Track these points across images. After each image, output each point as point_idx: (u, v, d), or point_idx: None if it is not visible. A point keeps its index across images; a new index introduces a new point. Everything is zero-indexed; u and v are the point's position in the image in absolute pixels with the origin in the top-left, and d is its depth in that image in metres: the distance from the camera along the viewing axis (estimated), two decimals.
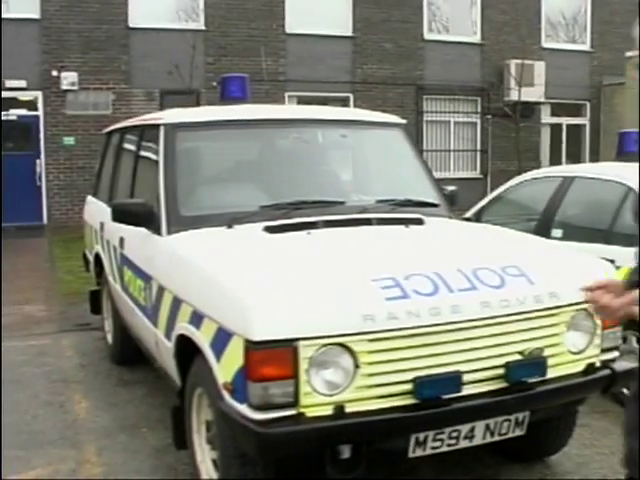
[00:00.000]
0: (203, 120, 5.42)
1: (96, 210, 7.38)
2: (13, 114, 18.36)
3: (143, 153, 5.91)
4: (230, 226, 4.56)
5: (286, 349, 3.28)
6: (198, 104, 17.33)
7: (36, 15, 18.13)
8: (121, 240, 5.82)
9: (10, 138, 18.28)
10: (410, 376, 3.51)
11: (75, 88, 18.20)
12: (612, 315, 2.50)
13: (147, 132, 5.84)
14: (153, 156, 5.39)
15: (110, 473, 4.96)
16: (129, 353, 6.89)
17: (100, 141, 17.79)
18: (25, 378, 6.87)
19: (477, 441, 3.82)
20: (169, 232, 4.71)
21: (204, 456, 4.33)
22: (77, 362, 7.35)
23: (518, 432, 3.95)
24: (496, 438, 3.88)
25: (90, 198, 8.04)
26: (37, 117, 18.37)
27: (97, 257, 7.28)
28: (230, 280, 3.67)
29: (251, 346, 3.30)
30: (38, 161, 18.31)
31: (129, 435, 5.54)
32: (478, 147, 21.89)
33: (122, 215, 4.92)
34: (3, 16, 17.76)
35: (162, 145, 5.12)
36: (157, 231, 4.85)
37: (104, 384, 6.66)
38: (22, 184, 18.09)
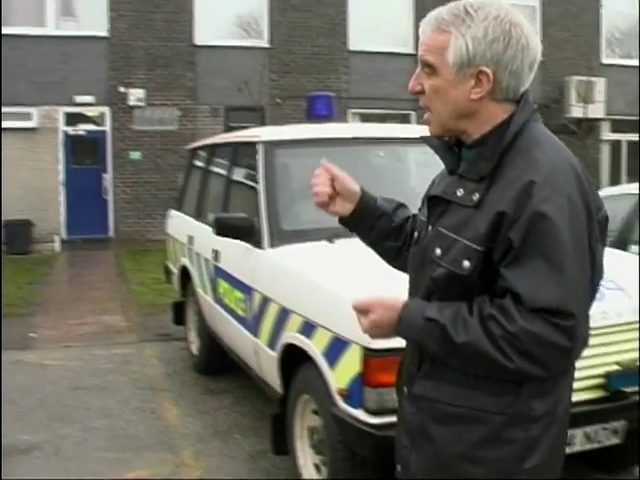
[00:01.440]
0: (299, 138, 5.64)
1: (182, 224, 7.61)
2: (81, 129, 18.81)
3: (237, 169, 6.13)
4: (331, 240, 4.74)
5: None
6: (263, 120, 17.61)
7: (105, 33, 18.60)
8: (215, 253, 6.03)
9: (77, 152, 18.75)
10: None
11: (142, 104, 18.60)
12: None
13: (242, 149, 6.06)
14: (250, 172, 5.60)
15: (209, 476, 5.17)
16: (214, 363, 7.12)
17: (166, 156, 18.45)
18: (113, 385, 7.12)
19: (576, 448, 3.92)
20: (271, 246, 4.92)
21: (306, 460, 4.51)
22: (162, 371, 7.58)
23: (615, 440, 4.06)
24: (594, 445, 3.99)
25: (174, 212, 8.28)
26: (104, 132, 18.79)
27: (182, 269, 7.52)
28: (346, 292, 3.84)
29: (369, 354, 3.49)
30: (104, 175, 18.71)
31: (222, 441, 5.73)
32: None
33: (224, 229, 5.13)
34: (73, 34, 18.32)
35: (261, 162, 5.34)
36: (258, 245, 5.05)
37: (192, 392, 6.88)
38: (88, 198, 18.54)
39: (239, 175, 6.05)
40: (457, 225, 2.09)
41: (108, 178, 18.72)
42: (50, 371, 7.60)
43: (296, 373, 4.43)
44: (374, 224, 2.51)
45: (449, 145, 2.24)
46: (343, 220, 2.53)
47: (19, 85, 17.83)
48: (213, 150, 7.14)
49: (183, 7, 18.93)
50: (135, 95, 18.57)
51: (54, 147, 18.51)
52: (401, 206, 2.58)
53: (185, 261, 7.39)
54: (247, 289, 5.21)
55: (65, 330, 9.36)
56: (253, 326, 5.09)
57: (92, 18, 18.67)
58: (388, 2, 19.34)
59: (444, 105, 2.12)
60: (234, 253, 5.52)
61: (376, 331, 2.18)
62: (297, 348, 4.28)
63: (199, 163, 7.63)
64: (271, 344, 4.74)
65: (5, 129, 17.97)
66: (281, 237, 4.92)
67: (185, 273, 7.44)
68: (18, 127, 18.15)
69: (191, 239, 7.05)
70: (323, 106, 6.25)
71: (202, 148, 7.65)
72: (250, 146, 5.69)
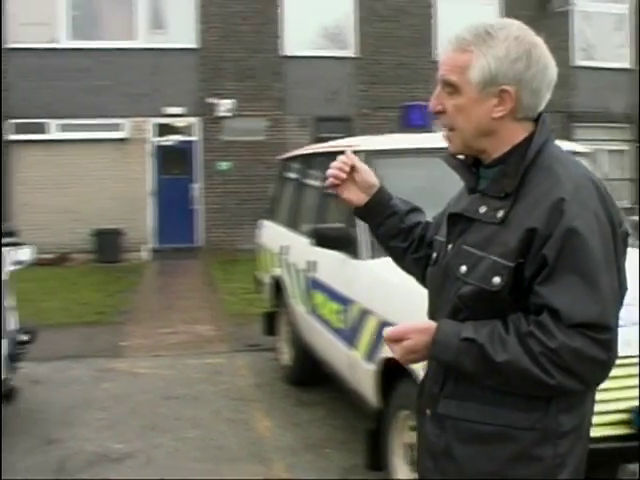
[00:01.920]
0: (399, 147, 5.53)
1: (275, 234, 7.57)
2: (171, 140, 19.04)
3: None
4: None
5: None
6: (351, 131, 17.53)
7: (194, 45, 18.80)
8: (311, 263, 5.96)
9: (167, 163, 19.00)
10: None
11: (231, 115, 18.72)
12: None
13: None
14: None
15: None
16: (306, 374, 7.04)
17: (254, 166, 18.52)
18: (204, 395, 7.10)
19: None
20: (371, 257, 4.82)
21: (402, 477, 4.40)
22: (253, 381, 7.54)
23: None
24: None
25: (266, 222, 8.25)
26: (194, 143, 18.98)
27: (274, 279, 7.47)
28: None
29: None
30: (193, 185, 18.89)
31: (315, 454, 5.64)
32: (628, 175, 21.32)
33: (322, 239, 5.05)
34: (163, 46, 18.56)
35: None
36: (356, 255, 4.96)
37: (283, 404, 6.81)
38: (177, 207, 18.79)
39: None
40: (482, 242, 2.11)
41: (197, 188, 18.89)
42: (141, 380, 7.63)
43: (395, 388, 4.32)
44: (384, 220, 2.57)
45: (467, 164, 2.27)
46: (357, 211, 2.59)
47: (110, 97, 18.17)
48: (307, 160, 7.08)
49: (271, 19, 19.03)
50: (224, 106, 18.70)
51: (143, 157, 18.80)
52: (415, 210, 2.62)
53: (277, 271, 7.33)
54: (344, 300, 5.12)
55: (156, 339, 9.42)
56: (349, 338, 4.99)
57: (181, 30, 18.95)
58: (474, 13, 19.17)
59: (467, 123, 2.15)
60: (331, 264, 5.44)
61: (410, 357, 2.17)
62: (397, 362, 4.16)
63: (292, 173, 7.57)
64: (369, 357, 4.64)
65: (96, 140, 18.38)
66: (381, 248, 4.80)
67: (277, 283, 7.39)
68: (108, 138, 18.54)
69: (284, 249, 7.00)
70: (418, 116, 6.09)
71: (295, 158, 7.60)
72: None
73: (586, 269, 1.97)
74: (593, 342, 1.96)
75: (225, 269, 15.38)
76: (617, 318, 2.03)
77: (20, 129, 18.37)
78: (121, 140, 18.59)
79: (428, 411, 2.28)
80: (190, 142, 19.04)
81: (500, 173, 2.13)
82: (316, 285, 5.89)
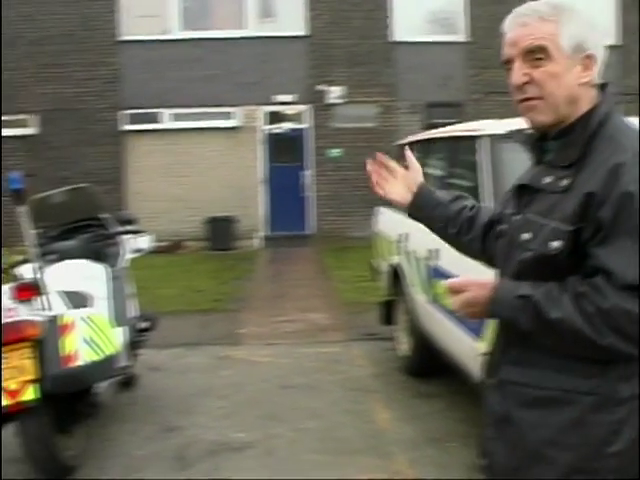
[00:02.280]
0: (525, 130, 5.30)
1: (393, 221, 7.40)
2: (281, 127, 19.08)
3: (456, 164, 5.87)
4: None
5: None
6: (463, 116, 17.19)
7: (304, 32, 18.77)
8: (432, 251, 5.78)
9: (278, 150, 19.05)
10: None
11: (341, 102, 18.62)
12: None
13: (461, 143, 5.80)
14: (470, 168, 5.33)
15: None
16: (426, 365, 6.86)
17: (365, 153, 18.11)
18: (321, 385, 7.00)
19: None
20: None
21: None
22: (370, 371, 7.40)
23: None
24: None
25: (382, 209, 8.09)
26: (304, 130, 18.97)
27: (392, 268, 7.32)
28: None
29: None
30: (304, 172, 18.90)
31: (436, 449, 5.47)
32: None
33: None
34: (273, 34, 18.59)
35: (485, 157, 5.07)
36: None
37: (402, 395, 6.65)
38: (288, 195, 18.85)
39: (458, 171, 5.78)
40: (545, 210, 2.16)
41: (308, 175, 18.87)
42: (259, 368, 7.60)
43: None
44: (431, 213, 2.71)
45: (534, 138, 2.32)
46: (409, 212, 2.78)
47: (221, 86, 18.32)
48: (426, 145, 6.90)
49: (380, 4, 18.84)
50: (335, 93, 18.61)
51: (255, 145, 18.87)
52: (459, 198, 2.75)
53: (396, 259, 7.18)
54: None
55: (271, 327, 9.40)
56: (476, 329, 4.80)
57: (291, 18, 18.95)
58: None
59: (559, 89, 2.17)
60: (454, 252, 5.25)
61: (469, 309, 2.26)
62: None
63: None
64: None
65: (208, 128, 18.58)
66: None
67: (395, 271, 7.23)
68: (220, 126, 18.70)
69: (403, 237, 6.83)
70: None
71: (413, 144, 7.41)
72: (471, 140, 5.42)
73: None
74: None
75: (337, 257, 15.29)
76: None
77: (134, 119, 18.70)
78: (233, 128, 18.74)
79: (490, 380, 2.36)
80: (301, 129, 19.05)
81: (564, 144, 2.19)
82: (438, 273, 5.70)
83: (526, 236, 2.19)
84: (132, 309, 6.31)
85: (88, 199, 6.75)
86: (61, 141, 18.10)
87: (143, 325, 6.45)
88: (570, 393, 2.12)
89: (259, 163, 18.90)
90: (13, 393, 4.63)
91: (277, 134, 19.07)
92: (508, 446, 2.26)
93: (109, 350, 4.97)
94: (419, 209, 2.73)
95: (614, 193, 2.01)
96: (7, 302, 4.76)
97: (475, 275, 2.37)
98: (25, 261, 6.20)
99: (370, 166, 2.79)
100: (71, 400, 5.00)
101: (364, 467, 5.22)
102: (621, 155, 2.07)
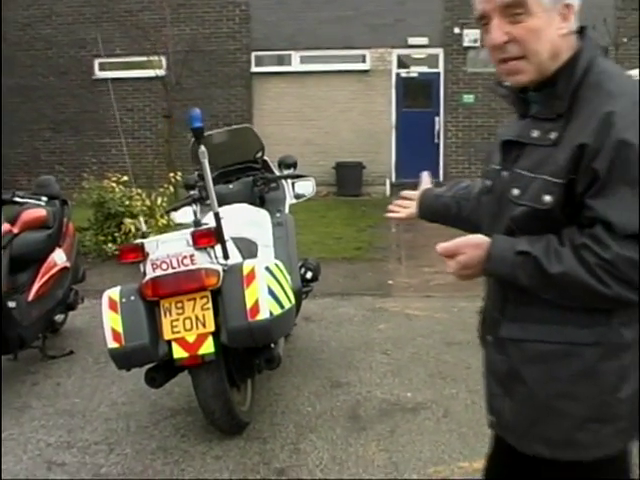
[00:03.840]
0: None
1: None
2: (414, 71, 18.53)
3: None
4: None
5: None
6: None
7: None
8: None
9: (409, 95, 18.53)
10: None
11: (477, 45, 17.89)
12: None
13: None
14: None
15: None
16: None
17: (499, 100, 17.54)
18: None
19: None
20: None
21: None
22: None
23: None
24: None
25: None
26: (437, 74, 18.35)
27: None
28: None
29: None
30: (437, 118, 18.32)
31: None
32: None
33: None
34: None
35: None
36: None
37: None
38: (420, 141, 18.28)
39: None
40: (535, 164, 2.11)
41: (440, 121, 18.28)
42: (417, 322, 7.25)
43: None
44: (435, 207, 2.85)
45: (515, 90, 2.23)
46: (419, 216, 2.93)
47: (353, 28, 17.85)
48: None
49: None
50: (470, 36, 17.89)
51: (387, 90, 18.39)
52: (457, 183, 2.85)
53: None
54: None
55: (422, 278, 9.01)
56: None
57: None
58: None
59: (542, 46, 2.09)
60: None
61: (465, 272, 2.25)
62: None
63: None
64: None
65: (338, 72, 18.22)
66: None
67: None
68: (351, 69, 18.32)
69: None
70: None
71: None
72: None
73: (638, 180, 1.95)
74: None
75: None
76: None
77: (263, 61, 18.44)
78: (364, 72, 18.30)
79: (490, 337, 2.35)
80: (434, 74, 18.42)
81: (549, 95, 2.13)
82: None
83: (516, 192, 2.16)
84: (296, 258, 5.97)
85: (250, 140, 6.46)
86: (191, 83, 17.94)
87: (307, 275, 6.11)
88: (576, 345, 2.12)
89: (391, 108, 18.38)
90: (190, 346, 4.38)
91: (408, 78, 18.53)
92: (518, 403, 2.26)
93: (288, 303, 4.65)
94: (431, 215, 2.87)
95: (608, 142, 1.97)
96: (185, 248, 4.48)
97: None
98: (182, 205, 5.97)
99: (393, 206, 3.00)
100: (247, 354, 4.74)
101: None
102: (611, 103, 2.01)
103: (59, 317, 6.99)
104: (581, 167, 2.01)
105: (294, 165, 6.49)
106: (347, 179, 17.43)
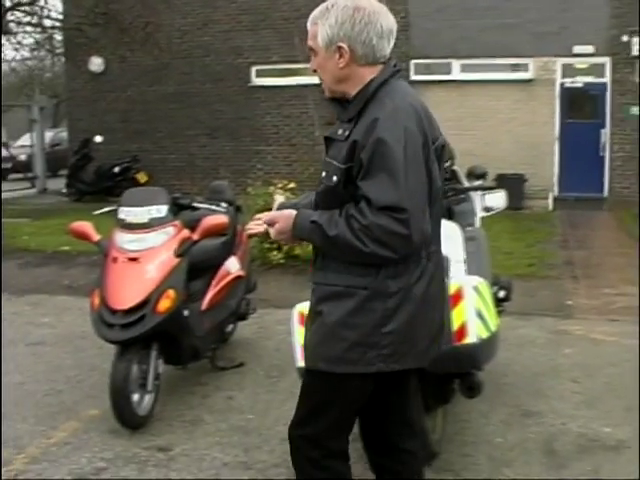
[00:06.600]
0: None
1: None
2: (578, 81, 17.83)
3: None
4: None
5: None
6: None
7: None
8: None
9: (573, 106, 17.87)
10: None
11: None
12: None
13: None
14: None
15: None
16: None
17: None
18: None
19: None
20: None
21: None
22: None
23: None
24: None
25: None
26: (604, 85, 17.57)
27: None
28: None
29: None
30: (602, 130, 17.55)
31: None
32: None
33: None
34: None
35: None
36: None
37: None
38: (584, 154, 17.55)
39: None
40: (334, 154, 2.94)
41: (606, 133, 17.53)
42: (604, 348, 6.77)
43: None
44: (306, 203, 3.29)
45: (336, 99, 3.05)
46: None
47: (515, 36, 17.35)
48: None
49: None
50: (638, 44, 16.99)
51: (550, 100, 17.77)
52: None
53: None
54: None
55: (603, 300, 8.45)
56: None
57: None
58: None
59: (325, 75, 3.01)
60: None
61: (281, 237, 3.05)
62: None
63: None
64: None
65: (500, 81, 17.82)
66: None
67: None
68: (513, 79, 17.90)
69: None
70: None
71: None
72: None
73: (390, 168, 2.74)
74: (394, 220, 2.73)
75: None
76: (422, 204, 2.81)
77: (422, 70, 18.12)
78: (527, 81, 17.74)
79: (311, 284, 3.08)
80: (600, 84, 17.63)
81: (349, 105, 2.96)
82: None
83: (323, 174, 2.96)
84: (490, 277, 5.59)
85: None
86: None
87: (500, 294, 5.71)
88: (352, 288, 2.89)
89: (554, 119, 17.75)
90: None
91: (572, 88, 17.81)
92: (314, 330, 3.02)
93: (495, 326, 4.31)
94: (290, 207, 3.22)
95: (371, 140, 2.77)
96: None
97: None
98: None
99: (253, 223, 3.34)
100: (446, 379, 4.43)
101: None
102: (380, 111, 2.81)
103: (229, 327, 6.85)
104: (355, 157, 2.82)
105: (484, 176, 6.17)
106: (509, 192, 16.80)
